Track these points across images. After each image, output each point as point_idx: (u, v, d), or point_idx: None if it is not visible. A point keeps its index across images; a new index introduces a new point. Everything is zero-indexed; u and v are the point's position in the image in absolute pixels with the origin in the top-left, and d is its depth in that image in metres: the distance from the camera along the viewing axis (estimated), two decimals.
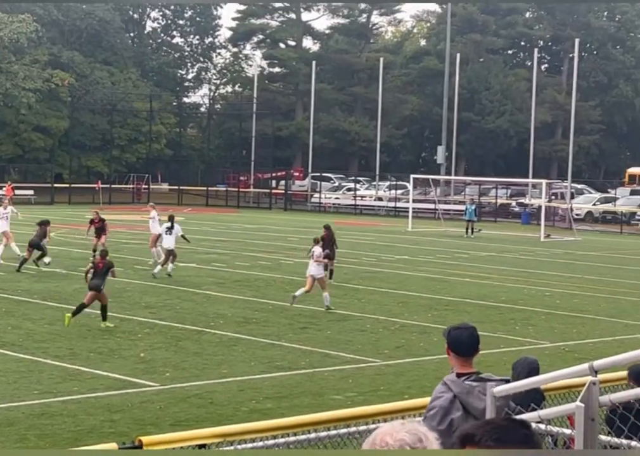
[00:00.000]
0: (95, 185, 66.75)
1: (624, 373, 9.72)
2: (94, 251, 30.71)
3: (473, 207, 51.22)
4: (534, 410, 6.49)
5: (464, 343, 6.69)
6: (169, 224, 29.92)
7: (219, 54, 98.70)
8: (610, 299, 27.59)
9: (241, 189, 74.17)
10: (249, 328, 21.31)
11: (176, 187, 74.25)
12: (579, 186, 74.48)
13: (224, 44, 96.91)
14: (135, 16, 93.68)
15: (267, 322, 22.22)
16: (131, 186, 75.40)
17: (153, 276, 28.49)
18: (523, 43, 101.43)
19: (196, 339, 19.93)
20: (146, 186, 74.80)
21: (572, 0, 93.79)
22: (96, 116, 79.04)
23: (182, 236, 30.50)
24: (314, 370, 17.46)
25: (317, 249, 24.50)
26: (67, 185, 68.15)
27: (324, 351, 19.13)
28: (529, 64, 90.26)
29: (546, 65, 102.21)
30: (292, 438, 7.40)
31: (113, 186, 71.07)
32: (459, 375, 6.65)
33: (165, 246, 29.96)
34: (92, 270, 21.37)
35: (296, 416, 8.74)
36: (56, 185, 68.93)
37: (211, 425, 11.83)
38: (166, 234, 29.80)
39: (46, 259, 30.17)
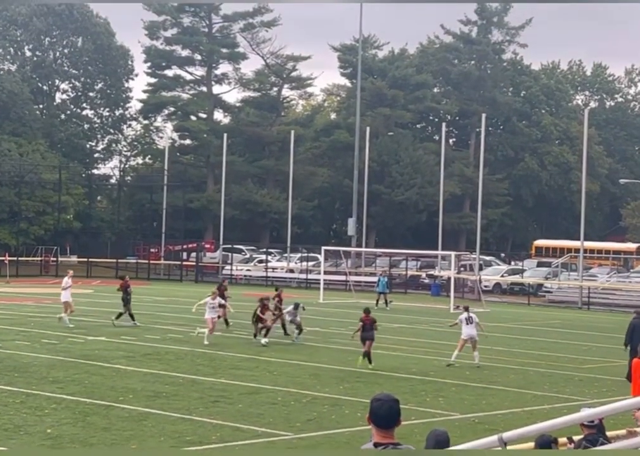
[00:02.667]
0: (2, 258, 65.63)
1: (533, 444, 9.83)
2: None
3: (386, 280, 51.64)
4: None
5: (382, 416, 6.69)
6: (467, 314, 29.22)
7: (130, 125, 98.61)
8: (519, 371, 27.88)
9: (151, 261, 73.64)
10: (159, 402, 21.04)
11: (85, 259, 73.38)
12: (487, 258, 75.56)
13: (134, 115, 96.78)
14: (45, 87, 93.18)
15: (177, 395, 21.96)
16: (39, 259, 74.32)
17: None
18: (431, 117, 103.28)
19: (105, 414, 19.59)
20: (55, 258, 73.80)
21: None
22: (3, 188, 77.94)
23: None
24: (225, 445, 17.27)
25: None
26: None
27: (235, 424, 18.95)
28: (437, 138, 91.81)
29: (454, 139, 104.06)
30: None
31: (20, 259, 69.99)
32: (376, 445, 6.64)
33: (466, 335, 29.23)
34: (361, 326, 27.73)
35: None
36: None
37: None
38: (467, 324, 29.06)
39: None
